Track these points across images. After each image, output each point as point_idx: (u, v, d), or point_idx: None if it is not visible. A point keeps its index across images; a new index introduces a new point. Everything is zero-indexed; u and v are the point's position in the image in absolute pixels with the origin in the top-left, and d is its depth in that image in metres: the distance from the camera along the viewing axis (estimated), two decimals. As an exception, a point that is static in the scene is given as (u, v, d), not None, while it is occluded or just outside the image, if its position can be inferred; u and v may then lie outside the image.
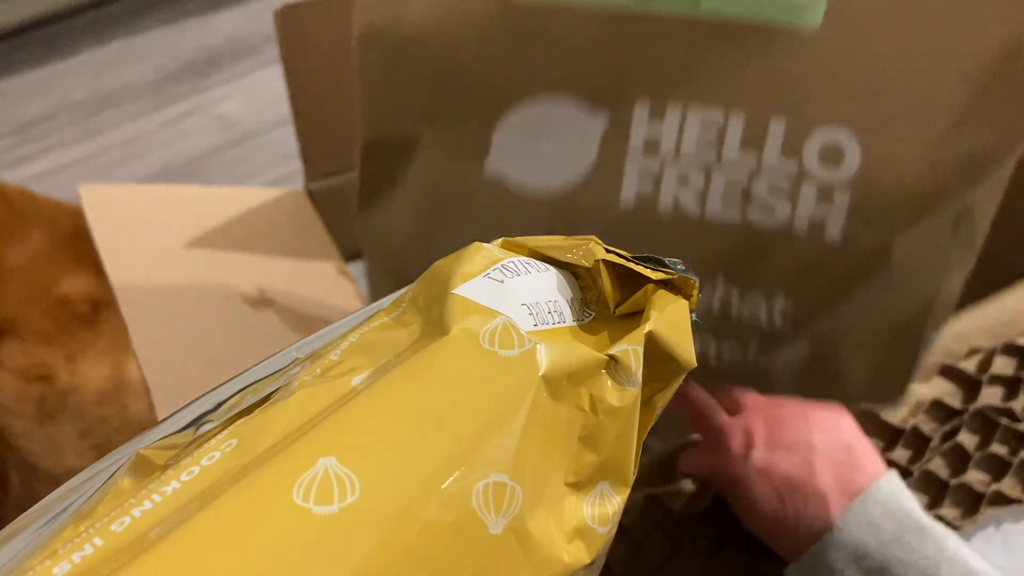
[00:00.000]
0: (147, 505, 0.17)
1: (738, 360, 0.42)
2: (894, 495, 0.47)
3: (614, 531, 0.21)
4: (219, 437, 0.18)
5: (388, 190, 0.39)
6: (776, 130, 0.36)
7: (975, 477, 0.56)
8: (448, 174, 0.39)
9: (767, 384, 0.43)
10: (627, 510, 0.53)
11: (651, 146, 0.38)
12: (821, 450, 0.50)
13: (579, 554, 0.20)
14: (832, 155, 0.36)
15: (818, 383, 0.42)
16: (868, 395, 0.42)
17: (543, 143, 0.38)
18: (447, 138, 0.38)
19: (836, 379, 0.42)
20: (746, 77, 0.35)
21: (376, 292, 0.43)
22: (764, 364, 0.42)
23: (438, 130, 0.38)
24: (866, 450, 0.50)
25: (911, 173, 0.36)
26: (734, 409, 0.53)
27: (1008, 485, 0.56)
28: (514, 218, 0.39)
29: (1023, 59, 0.33)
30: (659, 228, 0.39)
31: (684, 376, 0.23)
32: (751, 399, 0.52)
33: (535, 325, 0.21)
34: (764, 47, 0.35)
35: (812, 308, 0.39)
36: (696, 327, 0.41)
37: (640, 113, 0.37)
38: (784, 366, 0.41)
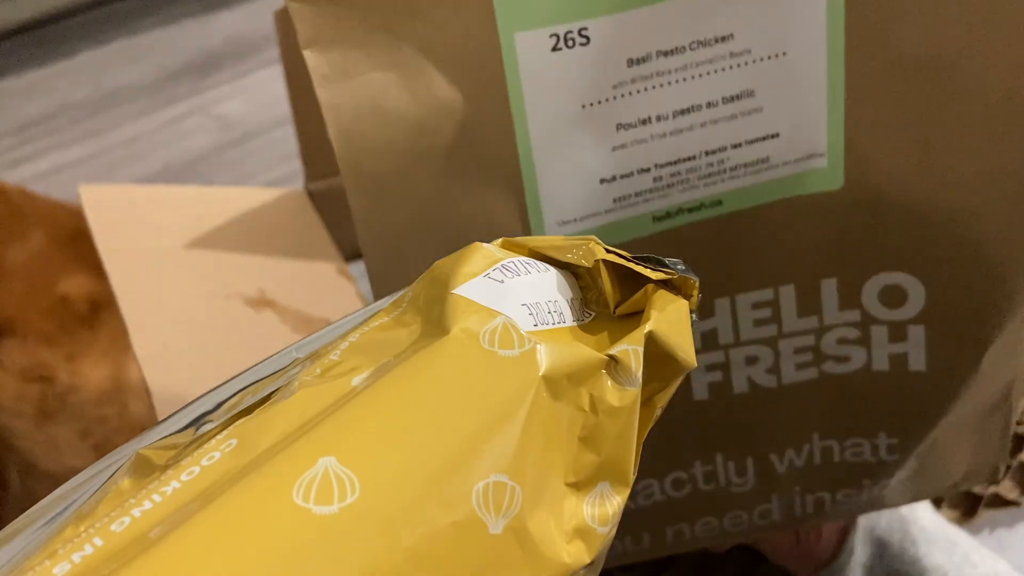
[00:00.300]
0: (147, 505, 0.17)
1: (855, 500, 0.41)
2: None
3: (614, 531, 0.21)
4: (219, 437, 0.18)
5: (381, 211, 0.37)
6: (829, 290, 0.35)
7: (975, 477, 0.56)
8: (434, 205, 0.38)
9: (882, 505, 0.43)
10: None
11: (709, 340, 0.37)
12: None
13: (579, 554, 0.20)
14: (894, 296, 0.35)
15: (926, 483, 0.42)
16: (971, 476, 0.42)
17: None
18: (428, 174, 0.36)
19: (941, 474, 0.41)
20: (784, 252, 0.34)
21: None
22: (878, 493, 0.41)
23: (419, 165, 0.35)
24: None
25: (980, 299, 0.35)
26: None
27: (1006, 488, 0.56)
28: None
29: None
30: (742, 408, 0.38)
31: (684, 376, 0.23)
32: None
33: (535, 325, 0.21)
34: (795, 218, 0.34)
35: (916, 433, 0.39)
36: (805, 483, 0.40)
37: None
38: (896, 485, 0.41)
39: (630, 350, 0.21)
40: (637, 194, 0.33)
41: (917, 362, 0.37)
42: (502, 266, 0.22)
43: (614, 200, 0.33)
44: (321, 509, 0.16)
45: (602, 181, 0.32)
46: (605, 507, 0.21)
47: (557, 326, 0.22)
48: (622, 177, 0.32)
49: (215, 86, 1.04)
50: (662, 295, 0.23)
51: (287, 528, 0.16)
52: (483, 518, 0.18)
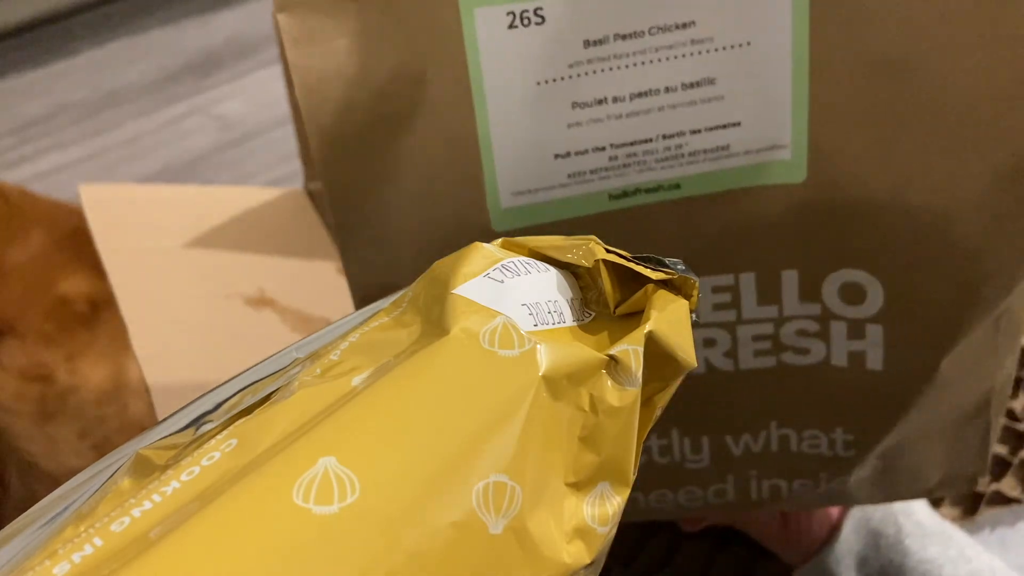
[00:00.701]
0: (147, 505, 0.17)
1: (812, 491, 0.41)
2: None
3: (614, 531, 0.21)
4: (219, 437, 0.18)
5: (369, 230, 0.37)
6: (790, 281, 0.35)
7: (975, 477, 0.56)
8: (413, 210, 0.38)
9: (845, 500, 0.43)
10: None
11: None
12: None
13: (579, 554, 0.20)
14: (853, 294, 0.35)
15: (895, 486, 0.42)
16: (948, 483, 0.41)
17: None
18: (398, 186, 0.36)
19: (912, 478, 0.41)
20: (747, 240, 0.34)
21: None
22: (838, 487, 0.41)
23: (389, 177, 0.35)
24: None
25: (939, 303, 0.34)
26: None
27: (1008, 485, 0.56)
28: None
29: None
30: (698, 388, 0.38)
31: (684, 376, 0.23)
32: None
33: (535, 325, 0.21)
34: (757, 208, 0.34)
35: (872, 432, 0.39)
36: (761, 468, 0.39)
37: None
38: (858, 482, 0.41)
39: (630, 350, 0.21)
40: (592, 171, 0.33)
41: (874, 361, 0.37)
42: (502, 266, 0.22)
43: (568, 175, 0.33)
44: (321, 509, 0.16)
45: (556, 156, 0.33)
46: (605, 507, 0.21)
47: (557, 326, 0.22)
48: (576, 154, 0.33)
49: (215, 86, 1.04)
50: (662, 295, 0.23)
51: (287, 528, 0.16)
52: (483, 518, 0.18)
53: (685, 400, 0.39)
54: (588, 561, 0.20)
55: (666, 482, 0.42)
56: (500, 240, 0.24)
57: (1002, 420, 0.40)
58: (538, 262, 0.23)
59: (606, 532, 0.21)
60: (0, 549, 0.18)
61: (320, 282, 0.61)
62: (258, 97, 1.01)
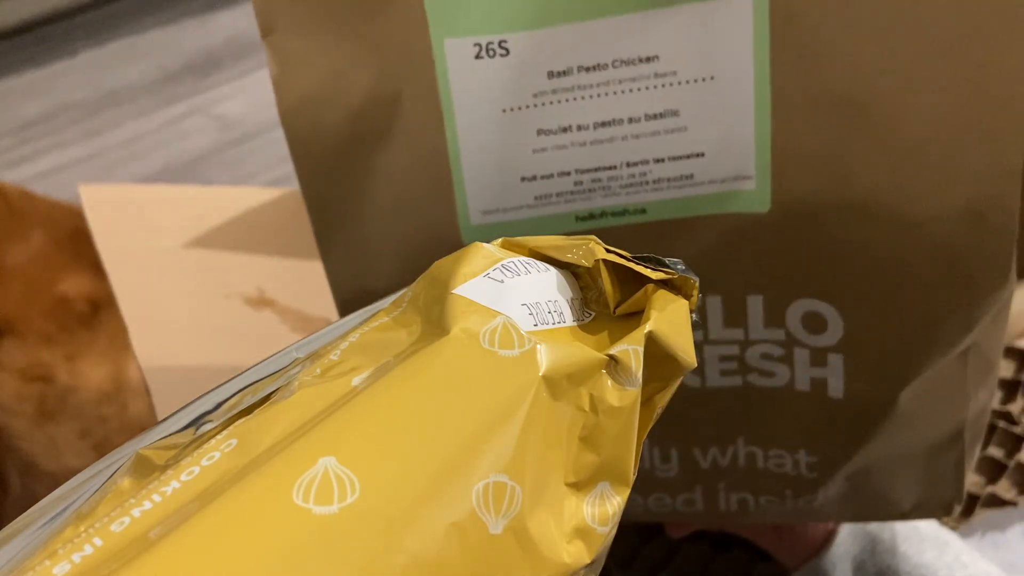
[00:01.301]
0: (147, 505, 0.17)
1: (778, 507, 0.42)
2: None
3: (614, 531, 0.21)
4: (219, 437, 0.18)
5: (347, 239, 0.38)
6: (755, 307, 0.36)
7: (971, 479, 0.56)
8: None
9: (814, 517, 0.43)
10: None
11: None
12: None
13: (579, 554, 0.20)
14: (815, 323, 0.36)
15: (866, 507, 0.42)
16: (922, 509, 0.42)
17: None
18: (377, 203, 0.37)
19: (883, 501, 0.41)
20: (713, 264, 0.35)
21: None
22: (804, 505, 0.41)
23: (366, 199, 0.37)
24: None
25: (897, 337, 0.35)
26: None
27: (1003, 488, 0.56)
28: None
29: (985, 222, 0.32)
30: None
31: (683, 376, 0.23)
32: None
33: (535, 325, 0.21)
34: (723, 235, 0.34)
35: (834, 457, 0.39)
36: (729, 481, 0.40)
37: None
38: (825, 501, 0.41)
39: (630, 350, 0.21)
40: (558, 194, 0.34)
41: (835, 389, 0.37)
42: (502, 266, 0.22)
43: (535, 197, 0.34)
44: (321, 509, 0.16)
45: (523, 179, 0.34)
46: (605, 507, 0.21)
47: (557, 326, 0.22)
48: (543, 177, 0.34)
49: (215, 86, 1.04)
50: (662, 295, 0.23)
51: (287, 528, 0.16)
52: (483, 518, 0.18)
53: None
54: (588, 561, 0.20)
55: (636, 488, 0.42)
56: (500, 240, 0.24)
57: (978, 448, 0.41)
58: (538, 262, 0.23)
59: (606, 532, 0.21)
60: (0, 549, 0.18)
61: (320, 282, 0.61)
62: (258, 97, 1.01)
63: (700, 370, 0.38)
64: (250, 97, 1.01)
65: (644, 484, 0.42)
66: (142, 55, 1.09)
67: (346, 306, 0.38)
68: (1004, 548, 0.53)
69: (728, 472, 0.41)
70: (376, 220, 0.36)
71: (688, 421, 0.39)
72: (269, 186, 0.86)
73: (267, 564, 0.15)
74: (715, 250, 0.34)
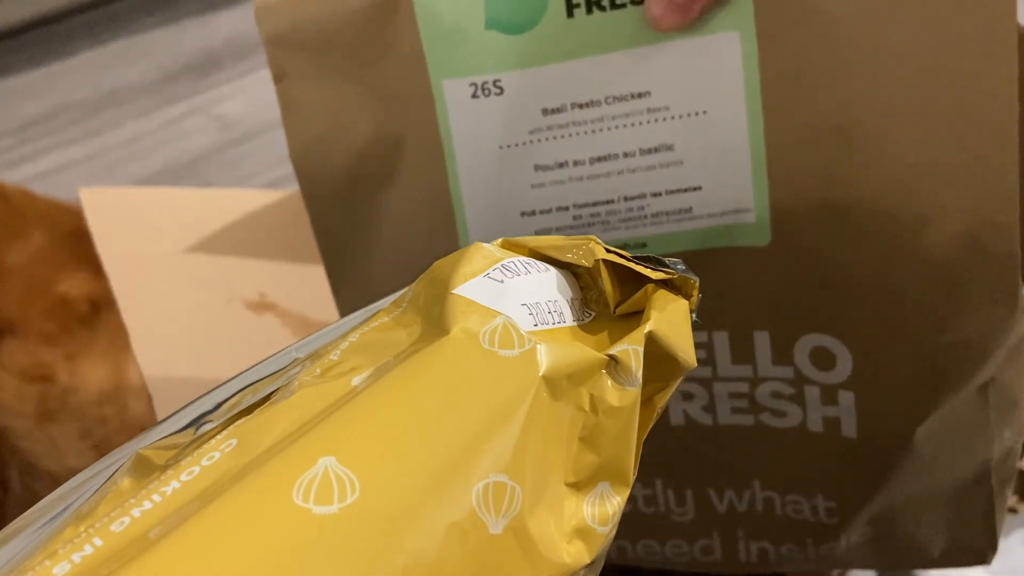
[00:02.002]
0: (147, 505, 0.17)
1: (800, 556, 0.41)
2: None
3: (614, 531, 0.21)
4: (219, 437, 0.18)
5: (355, 274, 0.39)
6: (762, 343, 0.36)
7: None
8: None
9: (839, 565, 0.42)
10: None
11: None
12: None
13: (579, 554, 0.20)
14: (824, 359, 0.35)
15: (894, 555, 0.41)
16: (952, 556, 0.40)
17: None
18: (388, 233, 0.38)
19: (910, 548, 0.40)
20: (717, 299, 0.34)
21: None
22: (827, 553, 0.40)
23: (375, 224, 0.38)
24: None
25: (907, 371, 0.34)
26: None
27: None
28: None
29: (985, 249, 0.32)
30: (680, 440, 0.38)
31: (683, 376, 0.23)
32: None
33: (535, 325, 0.21)
34: (726, 269, 0.34)
35: (853, 500, 0.38)
36: (747, 528, 0.40)
37: None
38: (849, 548, 0.40)
39: (630, 350, 0.21)
40: (557, 229, 0.35)
41: (848, 428, 0.36)
42: (502, 266, 0.22)
43: (535, 231, 0.35)
44: (321, 509, 0.16)
45: (523, 214, 0.35)
46: (605, 507, 0.21)
47: (557, 326, 0.22)
48: (542, 212, 0.35)
49: (215, 86, 1.04)
50: (662, 295, 0.23)
51: (287, 528, 0.16)
52: (483, 518, 0.18)
53: (667, 451, 0.39)
54: (588, 561, 0.20)
55: (652, 533, 0.42)
56: (500, 240, 0.24)
57: (1009, 492, 0.39)
58: (538, 262, 0.23)
59: (606, 532, 0.21)
60: (0, 549, 0.18)
61: (321, 286, 0.61)
62: (258, 97, 1.01)
63: (711, 407, 0.38)
64: (250, 97, 1.01)
65: (660, 529, 0.41)
66: (142, 55, 1.09)
67: None
68: (1006, 553, 0.53)
69: (746, 518, 0.40)
70: (382, 256, 0.37)
71: (702, 460, 0.39)
72: (269, 186, 0.86)
73: (267, 564, 0.15)
74: (718, 284, 0.34)
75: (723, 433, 0.38)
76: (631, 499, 0.40)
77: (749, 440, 0.38)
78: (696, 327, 0.35)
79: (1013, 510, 0.55)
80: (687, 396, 0.38)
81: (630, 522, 0.41)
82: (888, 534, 0.40)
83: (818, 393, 0.36)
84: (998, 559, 0.46)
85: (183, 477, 0.17)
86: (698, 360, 0.36)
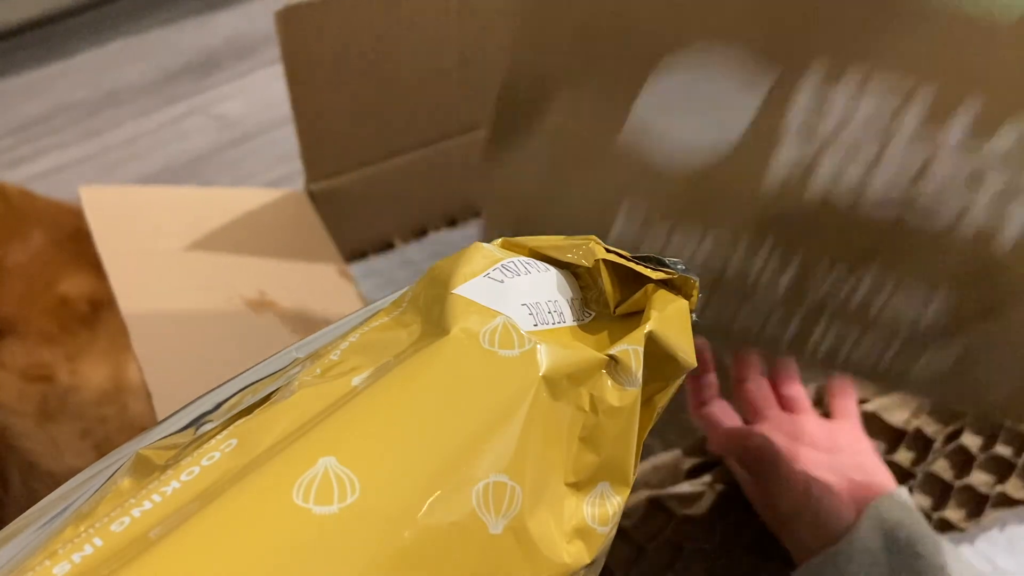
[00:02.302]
0: (147, 505, 0.17)
1: (871, 364, 0.39)
2: (906, 507, 0.47)
3: (614, 531, 0.21)
4: (219, 437, 0.18)
5: (517, 142, 0.37)
6: (968, 109, 0.32)
7: (979, 478, 0.56)
8: (581, 135, 0.36)
9: (895, 385, 0.40)
10: (629, 514, 0.53)
11: (812, 120, 0.34)
12: (845, 454, 0.50)
13: (579, 554, 0.20)
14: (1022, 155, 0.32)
15: (955, 392, 0.39)
16: (1008, 409, 0.39)
17: (692, 104, 0.34)
18: (587, 92, 0.35)
19: (975, 391, 0.39)
20: (944, 52, 0.31)
21: None
22: (899, 368, 0.38)
23: (580, 81, 0.35)
24: (882, 469, 0.50)
25: None
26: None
27: (1013, 486, 0.56)
28: (643, 191, 0.36)
29: None
30: (802, 218, 0.36)
31: (685, 376, 0.23)
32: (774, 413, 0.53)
33: (535, 325, 0.21)
34: (964, 31, 0.31)
35: (970, 311, 0.36)
36: (836, 311, 0.38)
37: (813, 75, 0.33)
38: (920, 372, 0.38)
39: (630, 350, 0.21)
40: None
41: (1007, 236, 0.34)
42: (502, 266, 0.22)
43: None
44: (321, 509, 0.16)
45: None
46: (605, 507, 0.21)
47: (557, 326, 0.22)
48: None
49: (215, 86, 1.04)
50: (662, 295, 0.23)
51: (287, 528, 0.16)
52: (483, 518, 0.18)
53: (789, 218, 0.36)
54: (588, 561, 0.20)
55: (735, 292, 0.39)
56: (500, 240, 0.24)
57: None
58: (538, 262, 0.23)
59: (606, 532, 0.21)
60: (0, 549, 0.18)
61: (320, 283, 0.61)
62: (258, 97, 1.01)
63: (867, 176, 0.34)
64: (250, 97, 1.01)
65: (744, 290, 0.39)
66: (142, 55, 1.09)
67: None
68: (1017, 546, 0.53)
69: (842, 305, 0.37)
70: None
71: (826, 230, 0.36)
72: (269, 186, 0.86)
73: (267, 564, 0.15)
74: (952, 40, 0.32)
75: (853, 225, 0.35)
76: (723, 258, 0.38)
77: (878, 236, 0.35)
78: (903, 73, 0.32)
79: (1022, 502, 0.55)
80: (852, 152, 0.34)
81: (710, 283, 0.39)
82: (961, 372, 0.38)
83: (995, 189, 0.33)
84: (1015, 558, 0.46)
85: (183, 477, 0.17)
86: (884, 112, 0.32)
